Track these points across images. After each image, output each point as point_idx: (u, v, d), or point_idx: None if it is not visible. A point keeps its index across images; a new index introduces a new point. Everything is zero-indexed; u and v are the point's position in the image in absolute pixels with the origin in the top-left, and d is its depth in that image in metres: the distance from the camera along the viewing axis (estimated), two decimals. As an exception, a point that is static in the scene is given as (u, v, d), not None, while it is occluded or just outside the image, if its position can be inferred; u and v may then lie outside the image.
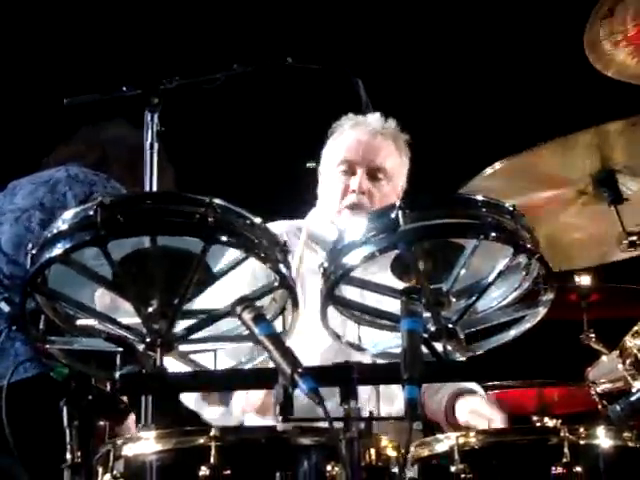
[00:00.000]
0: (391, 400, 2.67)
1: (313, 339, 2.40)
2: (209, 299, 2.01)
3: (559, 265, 2.81)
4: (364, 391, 1.83)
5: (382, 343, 2.13)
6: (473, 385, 2.88)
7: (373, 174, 2.92)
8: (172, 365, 2.00)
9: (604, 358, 3.46)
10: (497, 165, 2.53)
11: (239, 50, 4.41)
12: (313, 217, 3.03)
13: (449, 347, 1.97)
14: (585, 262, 3.05)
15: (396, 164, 2.97)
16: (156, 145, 2.71)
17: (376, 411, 1.93)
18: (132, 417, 2.32)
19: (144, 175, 2.70)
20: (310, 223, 2.99)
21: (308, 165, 3.08)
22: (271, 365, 1.79)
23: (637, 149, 2.56)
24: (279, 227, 2.81)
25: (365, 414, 1.81)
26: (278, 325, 1.97)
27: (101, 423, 1.89)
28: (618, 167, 2.60)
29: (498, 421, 2.63)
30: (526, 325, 2.07)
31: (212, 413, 2.73)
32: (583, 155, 2.56)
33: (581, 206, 2.67)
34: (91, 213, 1.82)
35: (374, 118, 2.97)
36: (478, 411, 2.70)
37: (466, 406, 2.75)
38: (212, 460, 1.79)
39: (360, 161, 2.92)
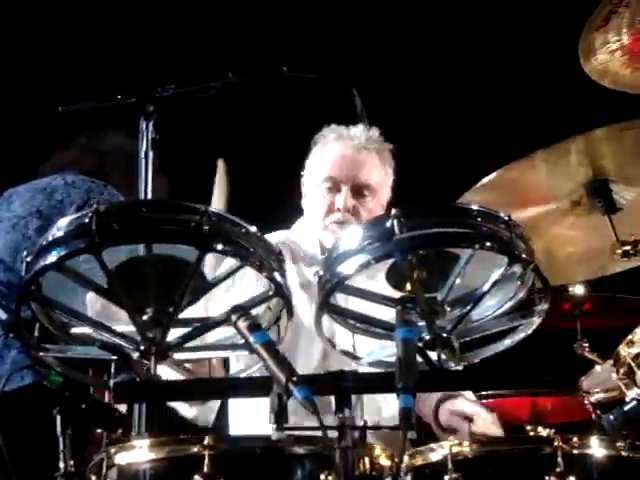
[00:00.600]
0: (377, 410, 2.67)
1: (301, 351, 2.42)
2: (203, 307, 2.01)
3: (557, 281, 2.81)
4: None
5: (376, 352, 2.14)
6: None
7: (358, 191, 2.87)
8: (166, 373, 2.00)
9: (598, 367, 3.46)
10: (486, 179, 2.52)
11: (235, 59, 4.41)
12: (298, 229, 3.02)
13: (443, 356, 1.97)
14: (582, 276, 3.04)
15: (381, 178, 2.93)
16: (151, 153, 2.71)
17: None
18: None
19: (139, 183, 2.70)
20: (294, 237, 2.98)
21: (303, 174, 3.07)
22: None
23: (627, 156, 2.56)
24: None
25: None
26: (272, 334, 1.97)
27: (98, 431, 1.88)
28: (611, 176, 2.60)
29: (482, 415, 2.63)
30: (521, 334, 2.07)
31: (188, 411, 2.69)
32: (574, 165, 2.56)
33: (576, 218, 2.67)
34: (86, 220, 1.82)
35: (358, 130, 2.92)
36: (457, 411, 2.70)
37: (446, 410, 2.74)
38: (206, 469, 1.78)
39: (345, 179, 2.87)
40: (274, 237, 2.94)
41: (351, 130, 2.94)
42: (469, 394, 2.87)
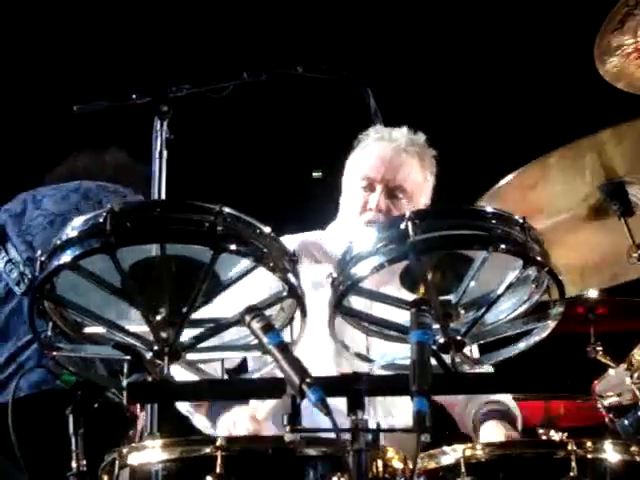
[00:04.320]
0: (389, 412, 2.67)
1: (317, 351, 2.42)
2: (218, 308, 2.00)
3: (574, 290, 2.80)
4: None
5: (390, 354, 2.13)
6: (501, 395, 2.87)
7: (392, 192, 2.86)
8: (179, 374, 1.99)
9: (611, 371, 3.45)
10: (499, 185, 2.50)
11: (249, 59, 4.41)
12: (332, 230, 3.01)
13: (457, 359, 1.96)
14: (597, 284, 3.01)
15: (418, 181, 2.90)
16: (165, 153, 2.72)
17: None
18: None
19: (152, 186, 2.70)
20: (324, 238, 2.98)
21: (314, 175, 3.06)
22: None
23: (637, 154, 2.54)
24: (291, 242, 2.78)
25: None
26: (286, 335, 1.96)
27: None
28: (626, 177, 2.59)
29: None
30: (535, 338, 2.06)
31: (200, 422, 2.71)
32: (588, 169, 2.55)
33: (592, 225, 2.65)
34: (100, 220, 1.82)
35: (401, 133, 2.92)
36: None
37: (485, 435, 2.73)
38: (218, 470, 1.79)
39: (379, 179, 2.87)
40: (306, 237, 2.94)
41: (394, 132, 2.93)
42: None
